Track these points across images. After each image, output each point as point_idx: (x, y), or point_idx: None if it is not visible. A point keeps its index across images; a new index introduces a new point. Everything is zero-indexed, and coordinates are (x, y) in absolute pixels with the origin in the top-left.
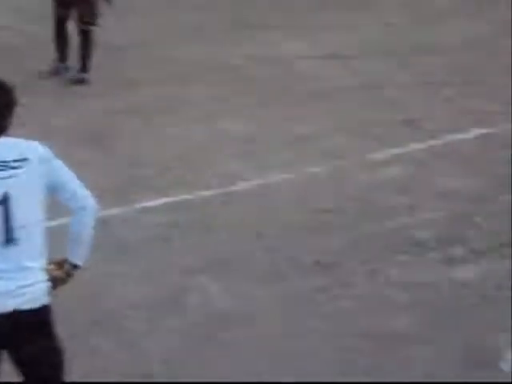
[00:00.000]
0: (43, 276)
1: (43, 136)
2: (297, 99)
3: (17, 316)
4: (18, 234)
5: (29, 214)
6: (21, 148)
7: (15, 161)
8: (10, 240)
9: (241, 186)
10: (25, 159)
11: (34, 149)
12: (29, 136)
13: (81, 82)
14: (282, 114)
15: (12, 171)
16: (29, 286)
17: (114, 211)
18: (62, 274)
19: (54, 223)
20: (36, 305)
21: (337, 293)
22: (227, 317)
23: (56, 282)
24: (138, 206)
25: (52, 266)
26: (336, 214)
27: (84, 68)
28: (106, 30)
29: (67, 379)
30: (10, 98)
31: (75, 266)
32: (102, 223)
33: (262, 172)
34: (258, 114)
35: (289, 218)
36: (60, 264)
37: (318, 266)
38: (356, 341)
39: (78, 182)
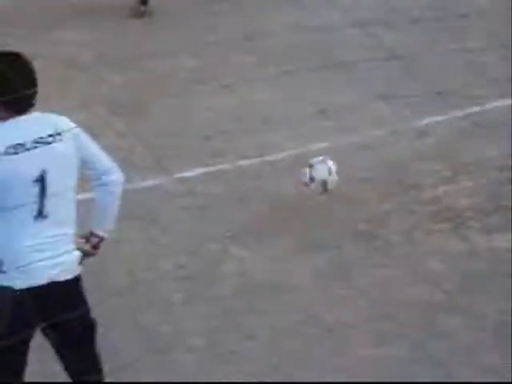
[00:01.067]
0: (74, 246)
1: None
2: (327, 67)
3: (52, 288)
4: (52, 207)
5: (63, 187)
6: (53, 122)
7: (50, 136)
8: (43, 214)
9: (277, 155)
10: (59, 134)
11: (65, 123)
12: (68, 107)
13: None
14: (316, 83)
15: (48, 146)
16: (62, 256)
17: (150, 182)
18: (89, 247)
19: (80, 196)
20: (70, 275)
21: (375, 262)
22: (264, 287)
23: (84, 255)
24: (175, 176)
25: (80, 240)
26: (374, 183)
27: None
28: None
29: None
30: (32, 67)
31: (101, 238)
32: (139, 194)
33: (299, 141)
34: (291, 84)
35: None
36: (87, 237)
37: (356, 236)
38: (393, 310)
39: (104, 154)
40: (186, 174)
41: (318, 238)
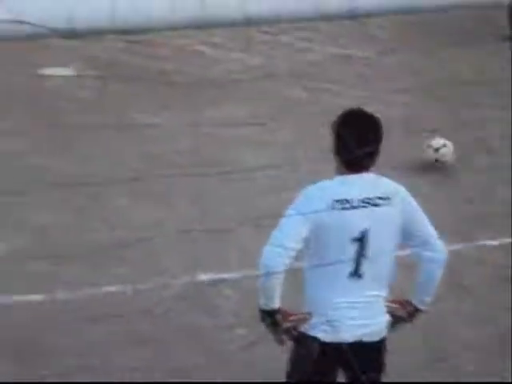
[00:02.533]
0: (385, 309)
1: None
2: None
3: (358, 347)
4: (368, 267)
5: (382, 249)
6: (385, 187)
7: (379, 198)
8: (359, 273)
9: None
10: (387, 198)
11: (398, 190)
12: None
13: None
14: None
15: (375, 208)
16: (372, 318)
17: (453, 247)
18: (404, 314)
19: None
20: (376, 338)
21: None
22: None
23: (397, 321)
24: (478, 243)
25: (395, 305)
26: None
27: None
28: None
29: None
30: (382, 132)
31: (418, 310)
32: None
33: None
34: None
35: None
36: (403, 304)
37: None
38: None
39: (431, 227)
40: (489, 243)
41: None
